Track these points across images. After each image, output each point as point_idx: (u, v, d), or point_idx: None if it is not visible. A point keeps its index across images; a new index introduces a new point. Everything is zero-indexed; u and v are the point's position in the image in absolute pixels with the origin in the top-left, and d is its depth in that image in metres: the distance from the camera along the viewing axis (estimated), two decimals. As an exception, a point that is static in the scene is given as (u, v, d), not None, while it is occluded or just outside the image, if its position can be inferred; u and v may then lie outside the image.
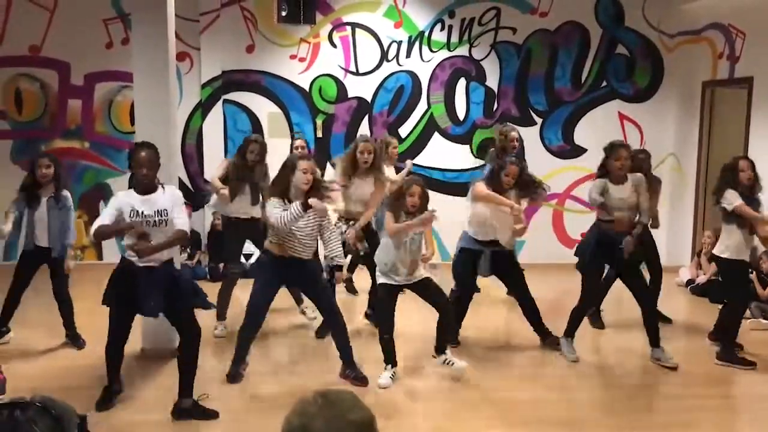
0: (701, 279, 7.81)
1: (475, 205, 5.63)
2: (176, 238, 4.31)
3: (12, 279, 5.63)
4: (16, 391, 4.21)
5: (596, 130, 9.00)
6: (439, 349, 5.17)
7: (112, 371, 4.53)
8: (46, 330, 5.90)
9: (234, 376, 4.96)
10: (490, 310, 6.89)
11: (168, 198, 4.32)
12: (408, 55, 8.95)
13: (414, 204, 4.94)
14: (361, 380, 4.93)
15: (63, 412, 1.54)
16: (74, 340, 5.72)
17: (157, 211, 4.25)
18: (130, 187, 4.39)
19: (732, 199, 5.23)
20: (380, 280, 5.09)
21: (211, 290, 7.87)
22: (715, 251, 5.55)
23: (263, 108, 8.81)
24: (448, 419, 4.53)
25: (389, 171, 6.61)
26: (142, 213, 4.20)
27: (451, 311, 5.22)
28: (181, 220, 4.32)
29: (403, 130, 8.94)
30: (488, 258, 5.64)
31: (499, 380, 5.18)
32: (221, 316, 6.05)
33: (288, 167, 4.81)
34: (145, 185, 4.28)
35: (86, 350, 5.53)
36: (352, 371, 4.99)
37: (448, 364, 5.11)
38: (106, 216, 4.18)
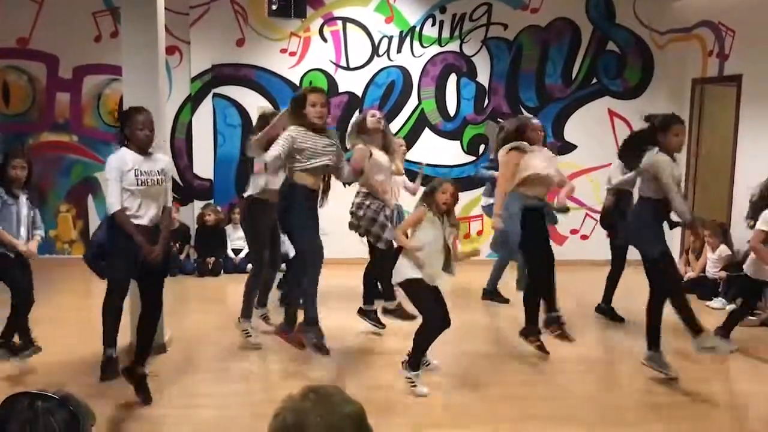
0: (690, 275, 7.84)
1: None
2: (169, 223, 4.59)
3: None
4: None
5: (586, 126, 9.03)
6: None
7: (113, 334, 4.52)
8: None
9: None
10: (489, 308, 6.89)
11: (167, 163, 4.56)
12: (399, 51, 8.94)
13: (446, 202, 4.63)
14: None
15: (80, 409, 1.62)
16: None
17: (160, 170, 4.43)
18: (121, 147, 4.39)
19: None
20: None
21: (200, 285, 7.93)
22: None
23: (253, 102, 8.77)
24: (446, 417, 4.52)
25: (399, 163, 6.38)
26: (145, 171, 4.34)
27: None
28: (169, 193, 4.58)
29: (394, 126, 8.90)
30: None
31: (498, 378, 5.17)
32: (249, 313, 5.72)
33: (299, 103, 4.75)
34: (145, 146, 4.37)
35: (77, 347, 5.33)
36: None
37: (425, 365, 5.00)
38: (115, 189, 4.25)
